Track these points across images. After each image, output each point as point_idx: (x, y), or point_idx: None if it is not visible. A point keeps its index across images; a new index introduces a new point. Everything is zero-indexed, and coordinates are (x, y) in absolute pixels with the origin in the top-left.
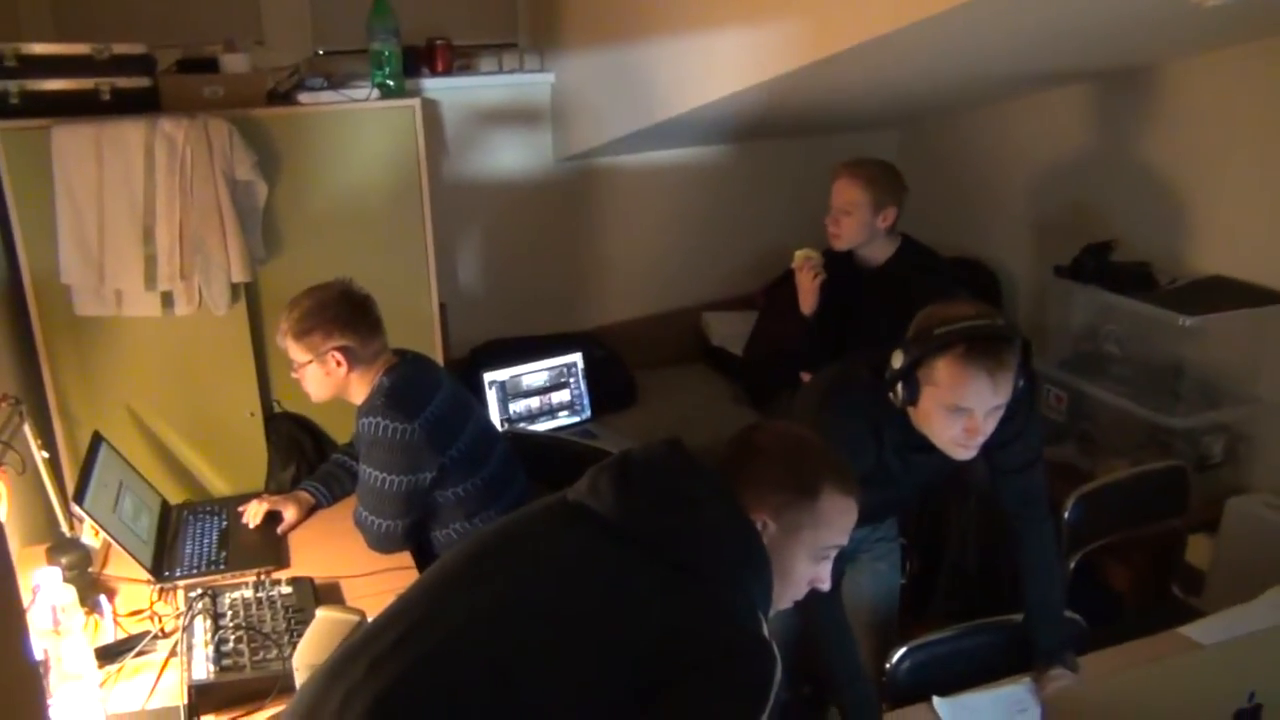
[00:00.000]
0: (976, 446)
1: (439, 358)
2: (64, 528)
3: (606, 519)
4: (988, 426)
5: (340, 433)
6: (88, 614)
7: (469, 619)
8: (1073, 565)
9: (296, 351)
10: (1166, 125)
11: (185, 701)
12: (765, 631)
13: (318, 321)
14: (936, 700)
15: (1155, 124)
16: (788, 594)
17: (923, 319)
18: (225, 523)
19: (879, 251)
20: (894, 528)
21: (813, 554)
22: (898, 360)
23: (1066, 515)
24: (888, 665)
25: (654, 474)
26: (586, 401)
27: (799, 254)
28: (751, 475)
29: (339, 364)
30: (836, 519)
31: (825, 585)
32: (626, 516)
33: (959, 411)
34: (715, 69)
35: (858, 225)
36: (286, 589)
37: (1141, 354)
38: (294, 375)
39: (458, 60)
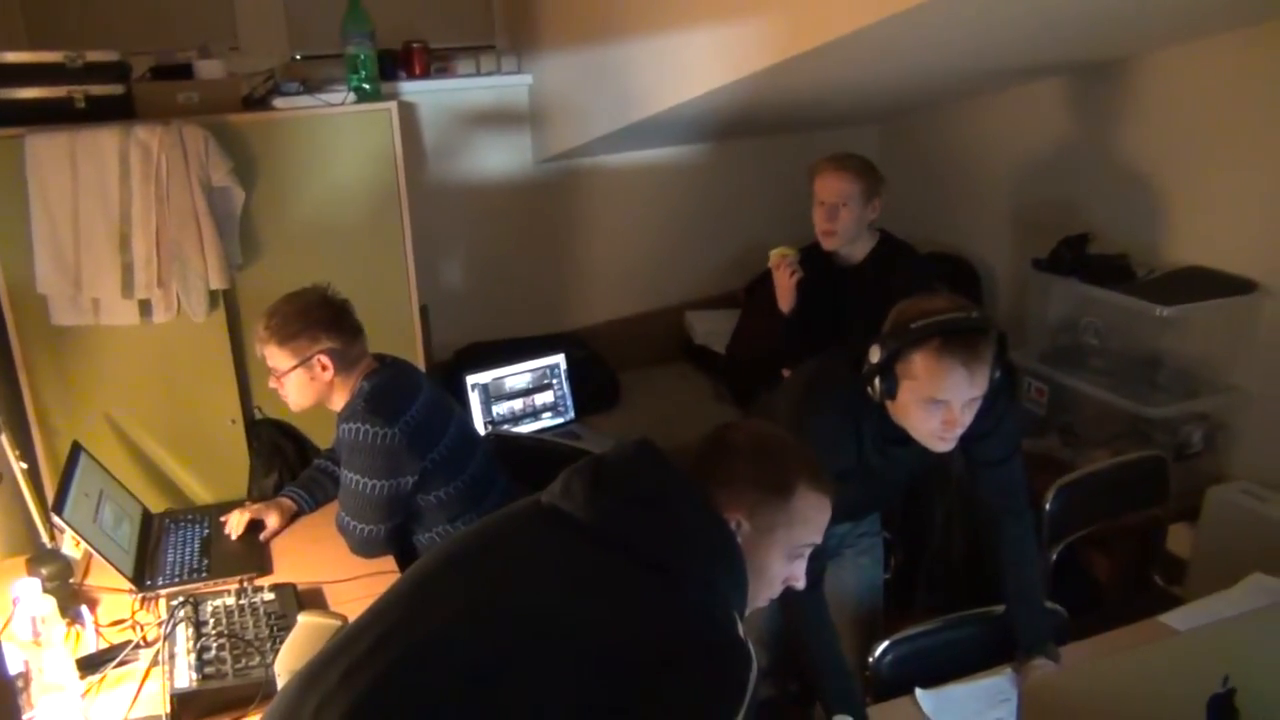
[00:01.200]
0: (955, 439)
1: (420, 361)
2: (44, 538)
3: (580, 521)
4: (965, 418)
5: (322, 438)
6: (69, 624)
7: (445, 623)
8: (1054, 556)
9: (280, 358)
10: (1141, 117)
11: (168, 710)
12: (741, 631)
13: (303, 325)
14: (919, 692)
15: (1130, 116)
16: (763, 593)
17: (899, 313)
18: (207, 530)
19: (859, 247)
20: (877, 522)
21: (788, 552)
22: (875, 355)
23: (1047, 506)
24: (870, 659)
25: (625, 475)
26: (570, 402)
27: (775, 253)
28: (725, 474)
29: (324, 368)
30: (811, 517)
31: (800, 584)
32: (599, 518)
33: (936, 404)
34: (692, 67)
35: (853, 218)
36: (269, 595)
37: (1120, 345)
38: (273, 385)
39: (435, 63)
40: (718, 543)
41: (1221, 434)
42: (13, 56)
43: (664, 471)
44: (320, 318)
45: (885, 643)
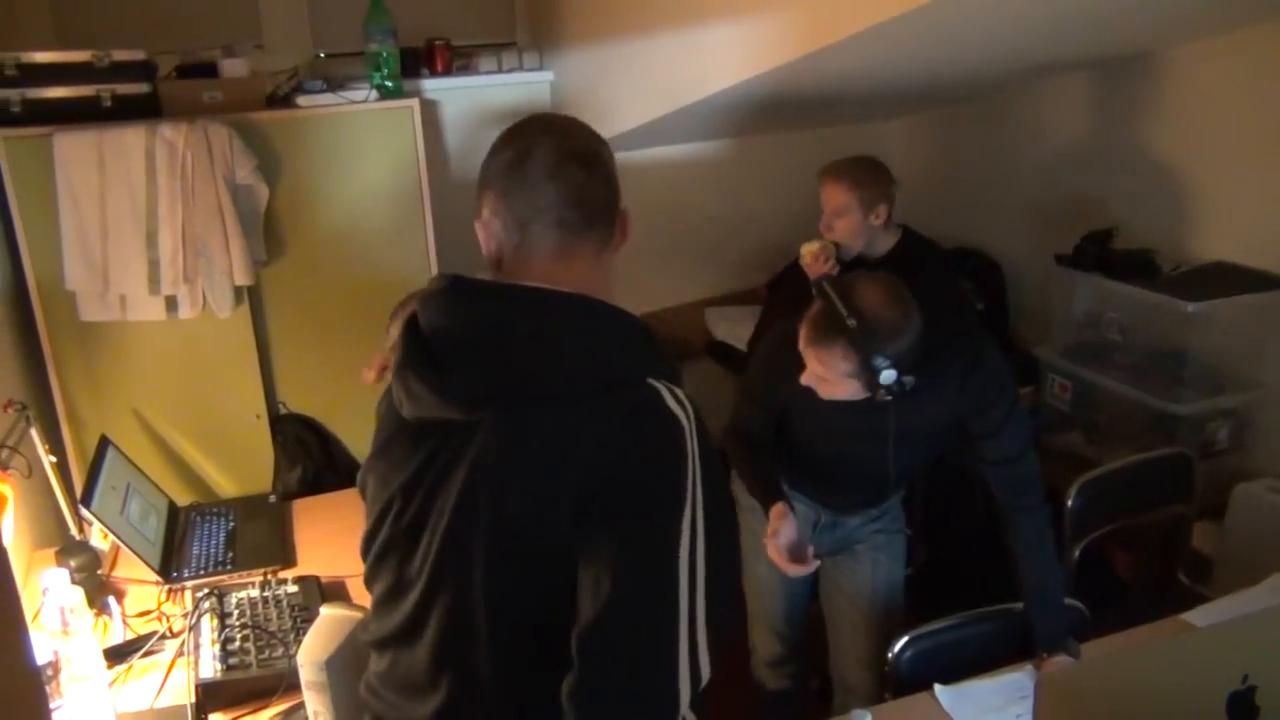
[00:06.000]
0: (824, 394)
1: None
2: (72, 530)
3: (451, 421)
4: (820, 386)
5: (345, 432)
6: (96, 615)
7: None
8: (1076, 553)
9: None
10: (1167, 112)
11: (193, 700)
12: (671, 401)
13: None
14: (938, 688)
15: (1156, 111)
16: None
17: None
18: (232, 523)
19: (880, 245)
20: (897, 521)
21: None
22: None
23: (1070, 503)
24: (890, 654)
25: (459, 334)
26: None
27: (811, 249)
28: (560, 247)
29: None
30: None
31: None
32: (466, 400)
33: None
34: (714, 62)
35: (851, 228)
36: (292, 588)
37: (1145, 341)
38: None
39: (457, 60)
40: (593, 325)
41: (1248, 431)
42: (41, 57)
43: (497, 294)
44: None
45: (904, 638)
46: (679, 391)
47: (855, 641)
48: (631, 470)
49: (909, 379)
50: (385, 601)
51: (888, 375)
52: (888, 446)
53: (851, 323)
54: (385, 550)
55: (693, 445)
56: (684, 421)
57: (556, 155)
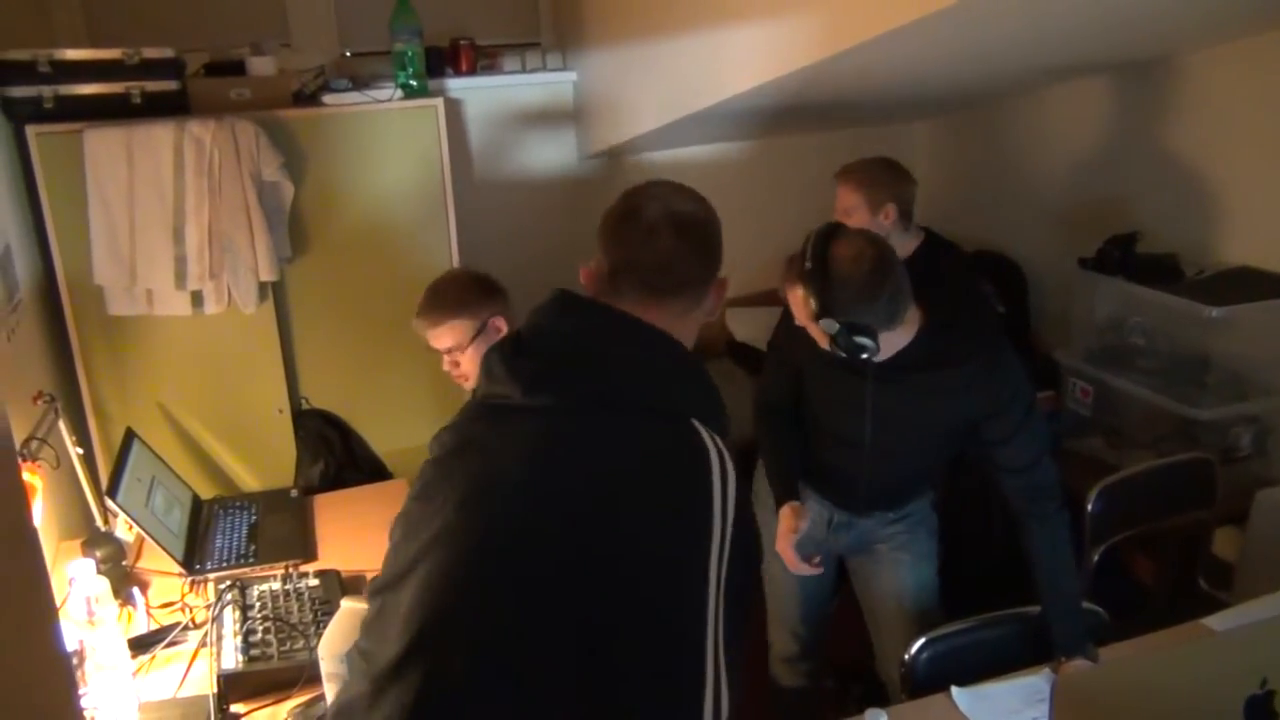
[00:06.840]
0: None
1: None
2: (98, 522)
3: (519, 404)
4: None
5: (367, 428)
6: (121, 605)
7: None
8: (1096, 557)
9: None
10: (1191, 116)
11: (214, 690)
12: (708, 439)
13: None
14: (955, 690)
15: (1180, 115)
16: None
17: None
18: (255, 517)
19: (901, 248)
20: (925, 521)
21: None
22: None
23: (1090, 507)
24: (906, 656)
25: (544, 330)
26: None
27: None
28: (671, 284)
29: None
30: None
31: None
32: (528, 386)
33: None
34: (737, 63)
35: (860, 227)
36: (314, 581)
37: (1168, 346)
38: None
39: (481, 60)
40: (661, 354)
41: (1270, 437)
42: (73, 54)
43: (589, 307)
44: None
45: (921, 640)
46: (720, 442)
47: (893, 643)
48: (659, 511)
49: (867, 342)
50: (394, 548)
51: (827, 324)
52: (865, 418)
53: (808, 265)
54: (412, 503)
55: (723, 489)
56: (714, 461)
57: (658, 219)
